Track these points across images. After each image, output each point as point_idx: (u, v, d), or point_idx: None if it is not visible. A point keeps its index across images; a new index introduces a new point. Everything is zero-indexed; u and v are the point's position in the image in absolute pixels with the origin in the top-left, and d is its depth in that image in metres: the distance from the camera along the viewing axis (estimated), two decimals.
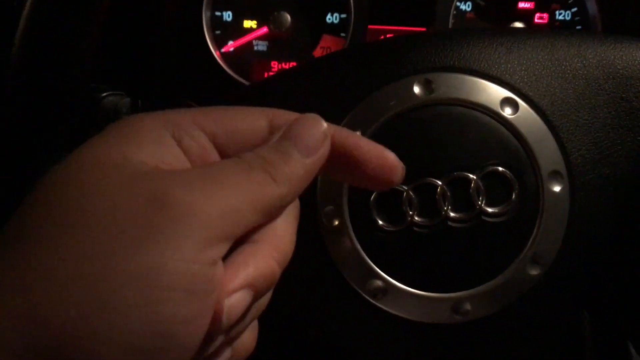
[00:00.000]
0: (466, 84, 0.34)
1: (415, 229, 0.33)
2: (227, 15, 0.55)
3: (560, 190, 0.33)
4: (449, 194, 0.33)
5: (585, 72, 0.34)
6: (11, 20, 0.32)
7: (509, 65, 0.34)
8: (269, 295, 0.25)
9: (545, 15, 0.54)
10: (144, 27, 0.53)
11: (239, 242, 0.21)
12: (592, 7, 0.53)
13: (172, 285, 0.18)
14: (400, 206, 0.33)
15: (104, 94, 0.41)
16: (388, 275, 0.34)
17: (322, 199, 0.34)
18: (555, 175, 0.33)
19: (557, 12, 0.55)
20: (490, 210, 0.33)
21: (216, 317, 0.20)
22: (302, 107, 0.25)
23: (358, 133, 0.34)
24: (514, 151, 0.33)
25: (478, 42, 0.34)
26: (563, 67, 0.34)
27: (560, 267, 0.34)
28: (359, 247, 0.34)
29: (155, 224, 0.18)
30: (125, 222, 0.18)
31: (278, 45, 0.55)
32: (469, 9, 0.54)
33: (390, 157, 0.25)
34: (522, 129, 0.33)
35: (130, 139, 0.21)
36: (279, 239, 0.23)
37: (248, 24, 0.55)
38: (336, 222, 0.34)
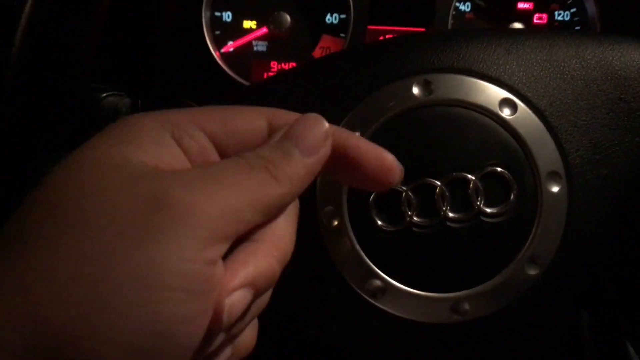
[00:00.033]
0: (465, 84, 0.34)
1: (414, 229, 0.34)
2: (227, 16, 0.55)
3: (559, 190, 0.34)
4: (447, 194, 0.33)
5: (583, 73, 0.34)
6: (11, 20, 0.32)
7: (508, 66, 0.34)
8: (268, 293, 0.25)
9: (544, 15, 0.54)
10: (144, 27, 0.53)
11: (239, 240, 0.21)
12: (591, 7, 0.53)
13: (171, 285, 0.18)
14: (400, 206, 0.33)
15: (104, 95, 0.42)
16: (387, 275, 0.34)
17: (322, 199, 0.34)
18: (554, 176, 0.33)
19: (556, 13, 0.55)
20: (488, 210, 0.33)
21: (217, 316, 0.20)
22: (301, 108, 0.25)
23: (357, 134, 0.34)
24: (513, 152, 0.34)
25: (477, 43, 0.35)
26: (562, 68, 0.34)
27: (559, 267, 0.34)
28: (358, 247, 0.34)
29: (155, 224, 0.18)
30: (125, 222, 0.18)
31: (278, 45, 0.55)
32: (468, 10, 0.54)
33: (389, 158, 0.25)
34: (521, 130, 0.33)
35: (130, 138, 0.21)
36: (279, 238, 0.23)
37: (248, 24, 0.55)
38: (336, 222, 0.34)
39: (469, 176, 0.33)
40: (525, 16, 0.54)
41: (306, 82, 0.36)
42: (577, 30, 0.54)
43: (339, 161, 0.24)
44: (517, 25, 0.53)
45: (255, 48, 0.55)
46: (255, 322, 0.25)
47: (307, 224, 0.33)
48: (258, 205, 0.21)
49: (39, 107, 0.34)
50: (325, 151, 0.23)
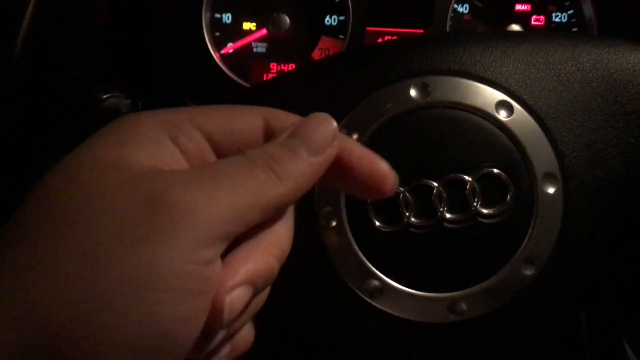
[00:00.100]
0: (462, 87, 0.34)
1: (411, 229, 0.34)
2: (227, 17, 0.55)
3: (555, 191, 0.34)
4: (444, 195, 0.33)
5: (579, 75, 0.34)
6: (11, 20, 0.32)
7: (504, 69, 0.34)
8: (266, 291, 0.25)
9: (541, 17, 0.55)
10: (144, 28, 0.53)
11: (239, 237, 0.21)
12: (588, 9, 0.53)
13: (168, 286, 0.18)
14: (397, 207, 0.33)
15: (105, 96, 0.42)
16: (385, 275, 0.34)
17: (320, 200, 0.34)
18: (550, 177, 0.34)
19: (553, 15, 0.55)
20: (485, 211, 0.33)
21: (217, 313, 0.20)
22: (300, 109, 0.25)
23: (355, 136, 0.34)
24: (509, 153, 0.34)
25: (473, 45, 0.35)
26: (558, 70, 0.34)
27: (555, 268, 0.34)
28: (356, 247, 0.34)
29: (154, 224, 0.18)
30: (125, 223, 0.19)
31: (277, 46, 0.55)
32: (466, 11, 0.55)
33: (382, 166, 0.24)
34: (517, 132, 0.34)
35: (129, 138, 0.21)
36: (278, 235, 0.23)
37: (247, 25, 0.55)
38: (334, 223, 0.34)
39: (466, 177, 0.33)
40: (522, 18, 0.54)
41: (305, 83, 0.36)
42: (573, 32, 0.54)
43: (333, 167, 0.24)
44: (515, 27, 0.54)
45: (254, 49, 0.55)
46: (253, 319, 0.26)
47: (305, 224, 0.34)
48: (259, 205, 0.21)
49: (39, 107, 0.34)
50: (332, 151, 0.23)
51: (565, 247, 0.34)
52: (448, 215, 0.34)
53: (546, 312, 0.35)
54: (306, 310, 0.36)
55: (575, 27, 0.55)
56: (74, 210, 0.19)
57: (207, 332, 0.21)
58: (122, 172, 0.20)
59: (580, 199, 0.34)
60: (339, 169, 0.24)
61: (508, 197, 0.34)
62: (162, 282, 0.18)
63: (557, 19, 0.55)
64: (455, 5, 0.54)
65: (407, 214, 0.34)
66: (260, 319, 0.26)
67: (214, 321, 0.20)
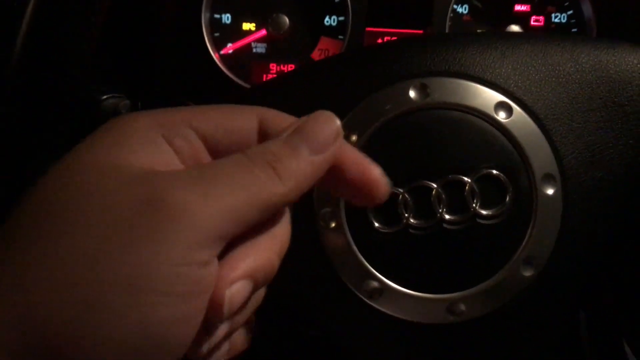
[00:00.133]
0: (461, 88, 0.34)
1: (410, 230, 0.34)
2: (226, 18, 0.55)
3: (554, 193, 0.34)
4: (444, 196, 0.33)
5: (578, 76, 0.34)
6: (11, 20, 0.32)
7: (503, 70, 0.35)
8: (265, 288, 0.25)
9: (541, 18, 0.55)
10: (144, 28, 0.53)
11: (239, 234, 0.21)
12: (587, 9, 0.54)
13: (162, 289, 0.18)
14: (396, 208, 0.34)
15: (105, 96, 0.42)
16: (384, 276, 0.34)
17: (320, 201, 0.34)
18: (549, 178, 0.34)
19: (552, 15, 0.55)
20: (484, 212, 0.34)
21: (217, 307, 0.20)
22: (300, 110, 0.25)
23: (354, 137, 0.34)
24: (508, 154, 0.34)
25: (473, 46, 0.35)
26: (557, 71, 0.34)
27: (554, 268, 0.34)
28: (355, 248, 0.34)
29: (152, 225, 0.19)
30: (123, 224, 0.19)
31: (276, 47, 0.55)
32: (465, 12, 0.55)
33: (374, 172, 0.24)
34: (516, 133, 0.34)
35: (125, 139, 0.21)
36: (277, 231, 0.23)
37: (247, 26, 0.55)
38: (333, 224, 0.34)
39: (465, 178, 0.33)
40: (522, 18, 0.54)
41: (305, 84, 0.36)
42: (572, 33, 0.55)
43: (328, 170, 0.23)
44: (514, 27, 0.54)
45: (254, 50, 0.55)
46: (251, 318, 0.26)
47: (305, 225, 0.34)
48: (257, 204, 0.20)
49: (38, 107, 0.34)
50: (334, 150, 0.22)
51: (564, 248, 0.34)
52: (447, 216, 0.34)
53: (546, 313, 0.36)
54: (306, 311, 0.36)
55: (574, 28, 0.55)
56: (73, 210, 0.19)
57: (208, 327, 0.21)
58: (122, 173, 0.20)
59: (579, 200, 0.34)
60: (332, 173, 0.23)
61: (507, 198, 0.34)
62: (159, 285, 0.18)
63: (556, 20, 0.55)
64: (455, 6, 0.54)
65: (406, 215, 0.34)
66: (260, 319, 0.26)
67: (214, 315, 0.20)
